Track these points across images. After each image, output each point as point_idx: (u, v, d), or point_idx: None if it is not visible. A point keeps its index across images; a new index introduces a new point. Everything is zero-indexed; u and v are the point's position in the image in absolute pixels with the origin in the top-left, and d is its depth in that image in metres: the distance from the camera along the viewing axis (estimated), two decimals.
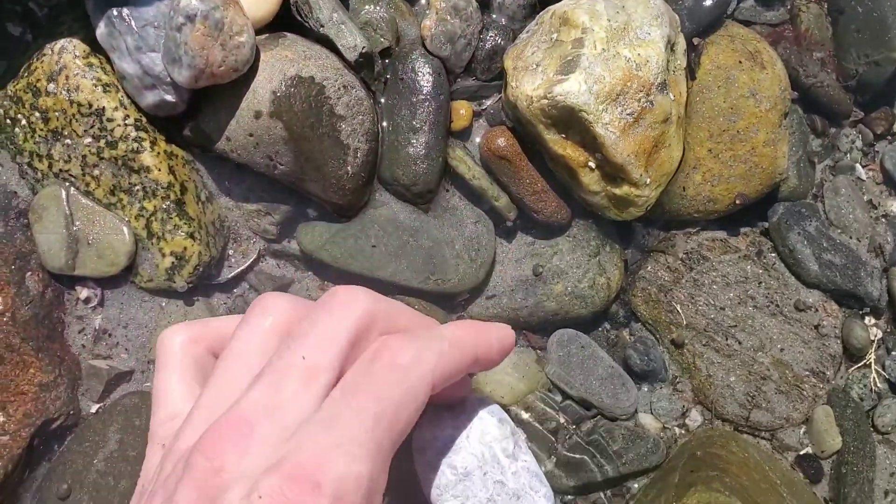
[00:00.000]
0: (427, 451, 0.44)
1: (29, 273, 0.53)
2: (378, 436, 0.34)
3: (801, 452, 0.57)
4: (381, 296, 0.37)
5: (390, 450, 0.34)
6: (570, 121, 0.52)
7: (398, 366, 0.36)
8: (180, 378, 0.41)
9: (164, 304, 0.54)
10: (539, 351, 0.58)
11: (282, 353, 0.37)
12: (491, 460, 0.45)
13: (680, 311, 0.59)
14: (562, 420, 0.57)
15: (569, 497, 0.55)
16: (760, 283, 0.59)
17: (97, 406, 0.52)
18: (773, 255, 0.60)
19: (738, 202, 0.58)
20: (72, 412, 0.52)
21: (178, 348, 0.41)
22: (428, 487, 0.44)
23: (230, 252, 0.55)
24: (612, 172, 0.54)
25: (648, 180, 0.54)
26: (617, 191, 0.54)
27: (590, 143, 0.53)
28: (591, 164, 0.54)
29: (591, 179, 0.54)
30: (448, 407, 0.45)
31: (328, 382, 0.35)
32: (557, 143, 0.53)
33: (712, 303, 0.59)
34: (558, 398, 0.57)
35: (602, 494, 0.56)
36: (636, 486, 0.56)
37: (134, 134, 0.52)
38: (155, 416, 0.41)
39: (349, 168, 0.52)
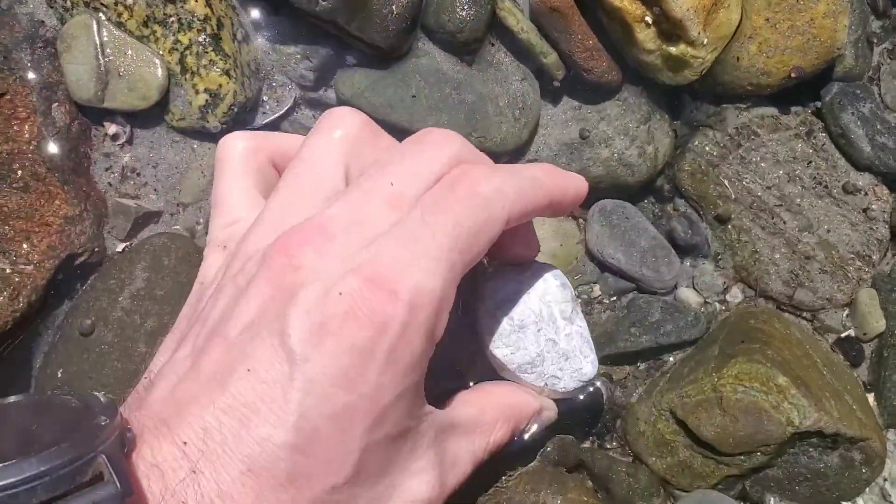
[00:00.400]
0: (488, 300, 0.43)
1: (56, 104, 0.50)
2: (453, 257, 0.33)
3: (843, 335, 0.56)
4: (470, 144, 0.37)
5: (461, 272, 0.34)
6: None
7: (479, 194, 0.35)
8: (242, 184, 0.39)
9: (195, 146, 0.52)
10: (581, 220, 0.56)
11: (370, 176, 0.36)
12: (548, 318, 0.44)
13: (728, 187, 0.57)
14: (598, 291, 0.55)
15: (603, 366, 0.54)
16: (810, 163, 0.57)
17: (123, 245, 0.51)
18: (825, 135, 0.58)
19: (793, 75, 0.55)
20: (97, 249, 0.50)
21: (241, 155, 0.40)
22: (485, 334, 0.43)
23: (264, 98, 0.53)
24: (669, 29, 0.52)
25: (706, 40, 0.52)
26: (673, 50, 0.52)
27: None
28: (648, 19, 0.51)
29: (646, 36, 0.52)
30: (514, 265, 0.44)
31: (409, 211, 0.34)
32: None
33: (759, 181, 0.57)
34: (596, 269, 0.55)
35: (637, 366, 0.55)
36: (672, 358, 0.55)
37: None
38: (215, 220, 0.40)
39: (394, 7, 0.50)
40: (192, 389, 0.32)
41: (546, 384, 0.45)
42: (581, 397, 0.51)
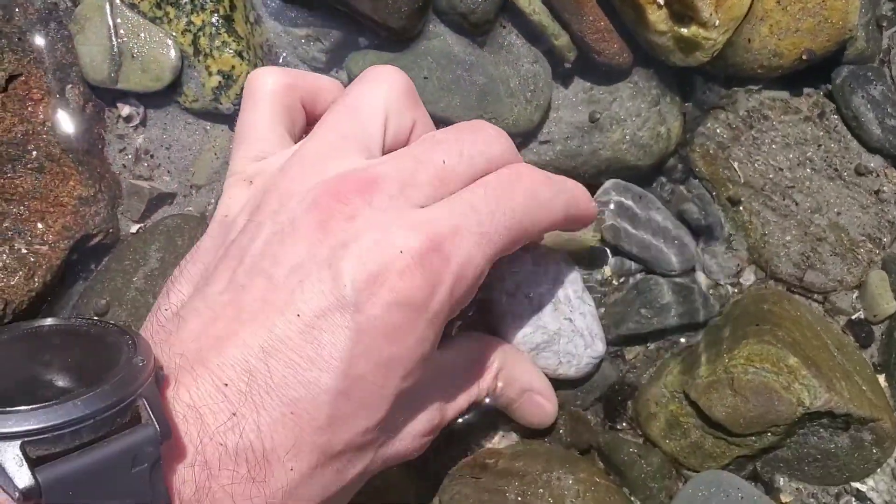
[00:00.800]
0: (507, 281, 0.44)
1: (70, 85, 0.50)
2: (501, 242, 0.35)
3: (853, 317, 0.56)
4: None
5: (498, 256, 0.35)
6: None
7: (538, 196, 0.38)
8: (270, 120, 0.39)
9: (208, 127, 0.52)
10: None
11: (425, 147, 0.37)
12: (563, 298, 0.45)
13: (737, 169, 0.57)
14: (608, 272, 0.55)
15: (613, 347, 0.54)
16: (821, 145, 0.57)
17: (137, 226, 0.51)
18: (836, 117, 0.58)
19: (804, 57, 0.55)
20: (111, 230, 0.50)
21: (271, 90, 0.39)
22: (505, 315, 0.44)
23: None
24: (681, 11, 0.52)
25: (717, 22, 0.52)
26: (685, 31, 0.52)
27: None
28: (660, 1, 0.51)
29: (658, 17, 0.52)
30: (527, 248, 0.45)
31: (455, 189, 0.36)
32: None
33: (771, 163, 0.57)
34: (607, 251, 0.56)
35: (648, 347, 0.55)
36: (683, 339, 0.55)
37: None
38: (239, 152, 0.39)
39: None
40: (234, 328, 0.31)
41: (561, 361, 0.46)
42: (588, 380, 0.52)
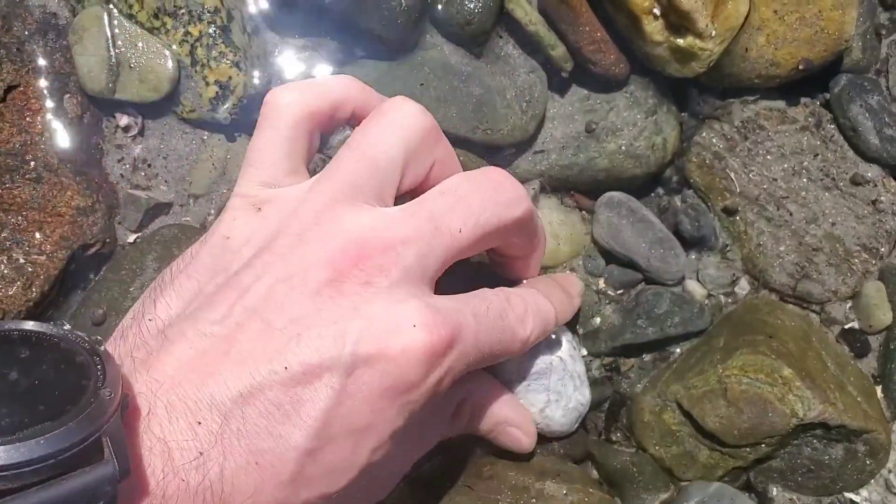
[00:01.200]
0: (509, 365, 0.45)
1: (68, 96, 0.51)
2: (482, 358, 0.36)
3: (847, 326, 0.56)
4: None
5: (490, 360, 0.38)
6: None
7: (516, 338, 0.40)
8: (286, 147, 0.38)
9: (205, 136, 0.52)
10: (586, 214, 0.56)
11: (445, 205, 0.36)
12: (555, 339, 0.45)
13: (734, 179, 0.57)
14: (603, 284, 0.55)
15: (609, 359, 0.54)
16: (817, 155, 0.57)
17: (134, 236, 0.51)
18: (833, 127, 0.58)
19: (801, 67, 0.55)
20: (108, 240, 0.50)
21: (291, 115, 0.38)
22: (515, 381, 0.45)
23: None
24: (677, 21, 0.52)
25: (713, 32, 0.52)
26: (681, 42, 0.52)
27: None
28: (656, 11, 0.51)
29: (654, 28, 0.52)
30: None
31: (465, 255, 0.37)
32: None
33: (766, 173, 0.57)
34: (602, 262, 0.56)
35: (643, 357, 0.55)
36: (677, 350, 0.55)
37: None
38: (248, 174, 0.38)
39: (402, 1, 0.50)
40: (218, 366, 0.31)
41: (550, 399, 0.47)
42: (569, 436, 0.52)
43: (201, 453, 0.29)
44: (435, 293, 0.36)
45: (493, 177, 0.38)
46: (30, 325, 0.29)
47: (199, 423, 0.30)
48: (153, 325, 0.34)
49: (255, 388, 0.30)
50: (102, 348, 0.29)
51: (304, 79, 0.53)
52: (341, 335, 0.31)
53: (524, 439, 0.46)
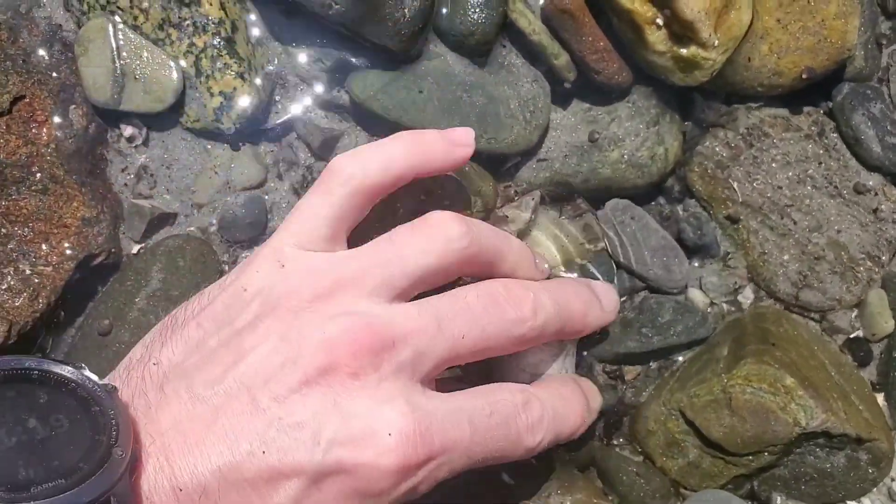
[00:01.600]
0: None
1: (73, 107, 0.51)
2: (476, 464, 0.36)
3: (852, 335, 0.56)
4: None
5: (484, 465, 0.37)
6: None
7: (522, 447, 0.39)
8: (335, 219, 0.38)
9: (209, 147, 0.53)
10: (588, 223, 0.56)
11: (454, 308, 0.37)
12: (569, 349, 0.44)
13: (736, 189, 0.57)
14: None
15: (613, 366, 0.54)
16: (820, 163, 0.57)
17: (139, 247, 0.51)
18: (836, 135, 0.58)
19: (804, 76, 0.55)
20: (113, 250, 0.51)
21: (348, 189, 0.38)
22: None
23: (277, 98, 0.53)
24: (680, 31, 0.52)
25: (717, 42, 0.52)
26: (684, 51, 0.52)
27: None
28: (659, 21, 0.52)
29: (657, 38, 0.52)
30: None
31: (463, 360, 0.37)
32: None
33: (770, 181, 0.57)
34: (603, 270, 0.56)
35: (648, 365, 0.55)
36: (681, 358, 0.55)
37: None
38: (288, 229, 0.38)
39: (406, 11, 0.50)
40: (203, 436, 0.32)
41: None
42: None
43: None
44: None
45: (508, 294, 0.39)
46: (47, 364, 0.29)
47: (181, 490, 0.30)
48: (156, 371, 0.34)
49: (233, 466, 0.31)
50: (117, 398, 0.30)
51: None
52: (318, 433, 0.32)
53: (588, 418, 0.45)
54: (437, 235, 0.37)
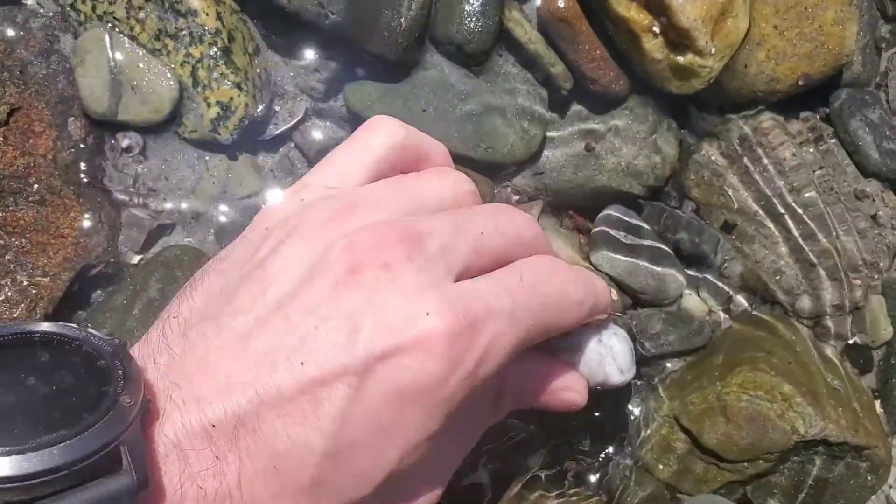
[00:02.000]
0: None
1: (71, 118, 0.51)
2: (526, 335, 0.33)
3: (850, 342, 0.56)
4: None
5: (519, 349, 0.34)
6: None
7: (569, 297, 0.36)
8: (366, 171, 0.37)
9: (207, 157, 0.53)
10: (582, 236, 0.56)
11: (463, 214, 0.36)
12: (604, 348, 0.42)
13: (732, 196, 0.57)
14: None
15: None
16: (817, 170, 0.57)
17: (138, 257, 0.52)
18: (833, 141, 0.58)
19: (801, 83, 0.55)
20: (112, 260, 0.51)
21: (386, 146, 0.37)
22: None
23: (276, 109, 0.53)
24: (677, 39, 0.52)
25: (713, 49, 0.52)
26: (680, 59, 0.52)
27: (655, 5, 0.50)
28: (655, 29, 0.52)
29: (653, 46, 0.52)
30: None
31: (487, 265, 0.35)
32: (621, 5, 0.51)
33: (767, 188, 0.57)
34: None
35: (642, 373, 0.55)
36: (677, 366, 0.55)
37: None
38: (318, 174, 0.37)
39: (402, 21, 0.50)
40: (235, 367, 0.29)
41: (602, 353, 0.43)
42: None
43: (217, 458, 0.28)
44: None
45: (505, 206, 0.39)
46: (50, 326, 0.27)
47: (214, 425, 0.28)
48: (176, 323, 0.32)
49: (272, 388, 0.29)
50: (125, 350, 0.28)
51: (306, 94, 0.53)
52: (356, 330, 0.30)
53: (578, 398, 0.41)
54: (446, 183, 0.38)
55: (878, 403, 0.55)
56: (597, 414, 0.53)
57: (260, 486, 0.29)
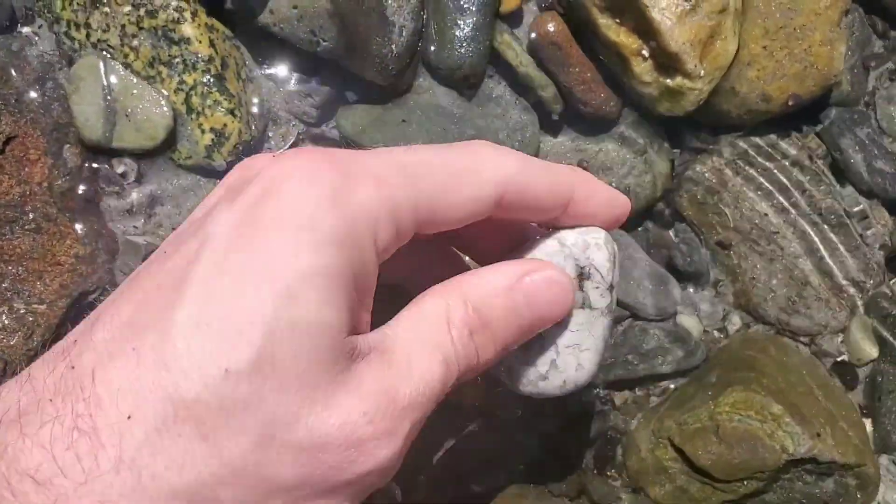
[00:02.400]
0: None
1: (67, 146, 0.52)
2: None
3: (838, 359, 0.57)
4: None
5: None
6: (624, 4, 0.50)
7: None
8: None
9: (202, 182, 0.53)
10: None
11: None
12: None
13: (727, 214, 0.57)
14: None
15: (603, 391, 0.55)
16: (806, 189, 0.58)
17: None
18: (823, 160, 0.58)
19: (790, 103, 0.56)
20: (108, 287, 0.51)
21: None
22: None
23: (269, 134, 0.54)
24: (666, 62, 0.52)
25: (702, 72, 0.53)
26: (670, 82, 0.53)
27: (644, 29, 0.51)
28: (645, 53, 0.52)
29: (643, 69, 0.52)
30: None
31: None
32: (611, 29, 0.51)
33: (757, 207, 0.57)
34: None
35: (636, 392, 0.56)
36: (672, 385, 0.56)
37: (174, 3, 0.50)
38: None
39: (393, 47, 0.51)
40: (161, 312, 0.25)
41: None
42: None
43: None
44: None
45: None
46: None
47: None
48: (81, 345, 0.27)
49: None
50: None
51: (299, 119, 0.54)
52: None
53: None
54: None
55: (868, 422, 0.56)
56: (588, 433, 0.53)
57: None
